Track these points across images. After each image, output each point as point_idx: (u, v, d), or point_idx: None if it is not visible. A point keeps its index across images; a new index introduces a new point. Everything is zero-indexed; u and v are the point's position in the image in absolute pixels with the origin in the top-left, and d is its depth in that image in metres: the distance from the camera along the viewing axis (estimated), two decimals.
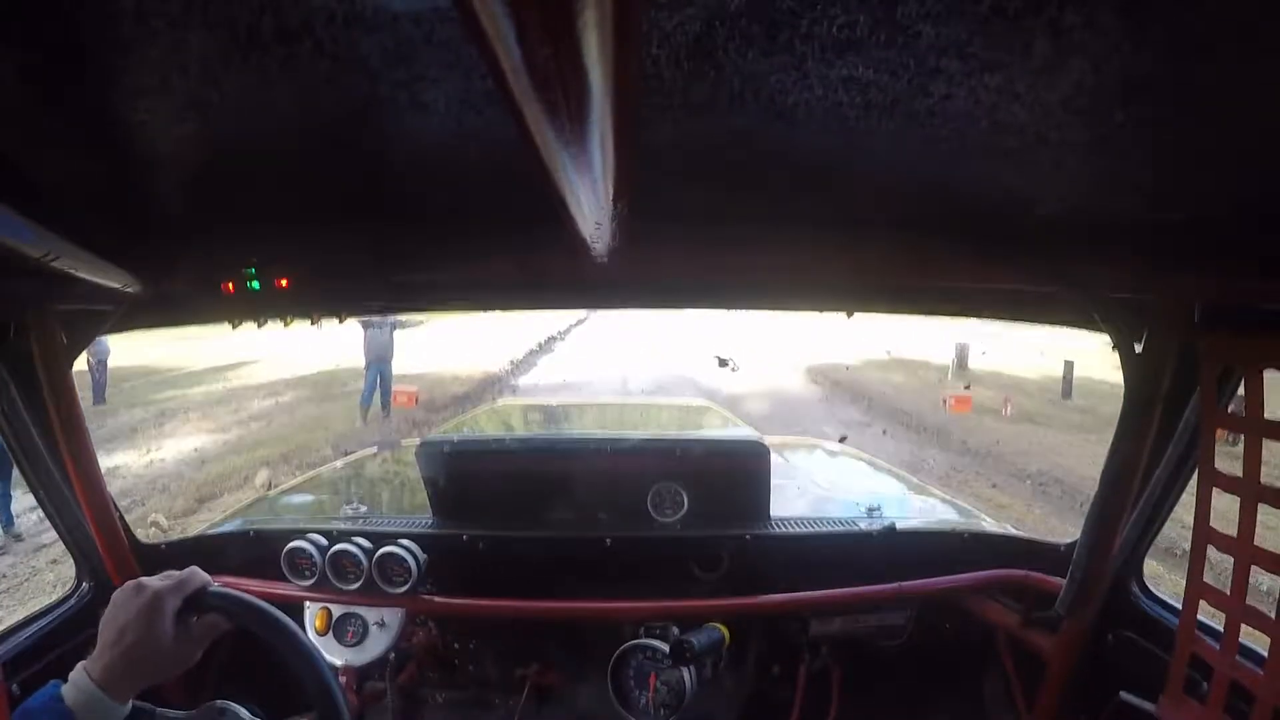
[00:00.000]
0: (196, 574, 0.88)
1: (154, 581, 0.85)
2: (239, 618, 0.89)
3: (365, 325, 8.42)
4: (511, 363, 13.20)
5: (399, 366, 10.54)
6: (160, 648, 0.81)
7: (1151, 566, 1.36)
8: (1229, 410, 1.07)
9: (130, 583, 0.85)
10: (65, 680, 0.81)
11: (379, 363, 8.76)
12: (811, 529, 1.65)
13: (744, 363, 11.75)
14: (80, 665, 0.80)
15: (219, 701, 0.97)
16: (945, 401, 9.39)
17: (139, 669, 0.81)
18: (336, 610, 1.58)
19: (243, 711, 0.95)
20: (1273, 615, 0.96)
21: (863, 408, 10.23)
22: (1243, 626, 1.02)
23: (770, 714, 1.60)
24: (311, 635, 1.56)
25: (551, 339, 16.28)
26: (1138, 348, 1.05)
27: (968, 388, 9.93)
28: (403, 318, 8.61)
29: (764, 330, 14.24)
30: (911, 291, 1.28)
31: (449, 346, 14.01)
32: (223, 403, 9.95)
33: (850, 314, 1.35)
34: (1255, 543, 0.99)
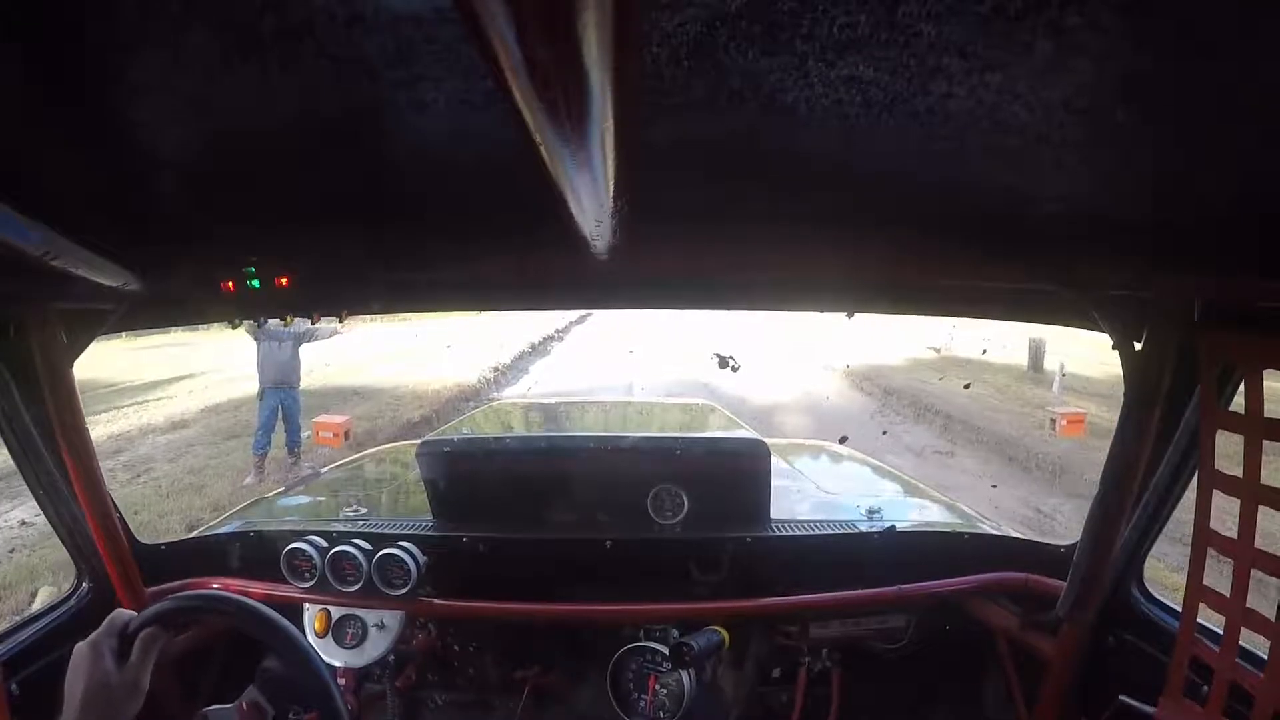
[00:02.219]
0: (119, 613, 0.95)
1: (86, 639, 0.92)
2: (171, 615, 0.94)
3: (257, 338, 6.21)
4: (496, 370, 11.11)
5: (329, 384, 8.78)
6: (109, 691, 0.88)
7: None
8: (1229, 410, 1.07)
9: (72, 653, 0.91)
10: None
11: (279, 389, 6.36)
12: (811, 531, 1.65)
13: (769, 364, 10.14)
14: None
15: (204, 710, 0.99)
16: (1054, 422, 6.98)
17: (100, 716, 0.86)
18: (336, 612, 1.58)
19: (225, 708, 0.96)
20: (1273, 617, 0.96)
21: (935, 428, 7.83)
22: (1243, 629, 1.01)
23: (770, 717, 1.60)
24: (311, 637, 1.56)
25: (548, 339, 14.59)
26: (1137, 347, 1.05)
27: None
28: (317, 325, 5.41)
29: (781, 327, 12.61)
30: (911, 291, 1.28)
31: (411, 352, 11.82)
32: (112, 439, 7.72)
33: (850, 314, 1.35)
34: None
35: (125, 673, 0.89)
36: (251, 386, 8.92)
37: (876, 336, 11.43)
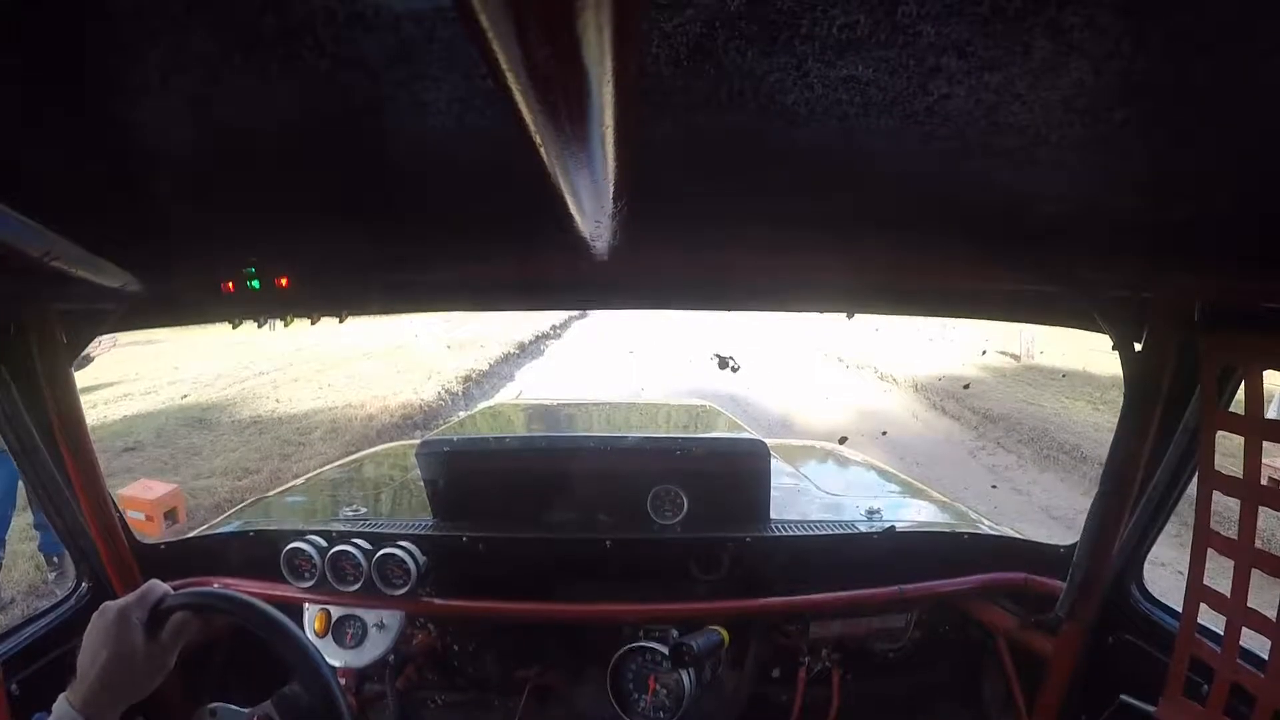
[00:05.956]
0: (155, 585, 0.92)
1: (116, 602, 0.89)
2: (203, 609, 0.92)
3: None
4: (468, 379, 9.03)
5: (237, 401, 7.10)
6: (134, 661, 0.85)
7: None
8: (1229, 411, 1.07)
9: (97, 610, 0.89)
10: (50, 711, 0.83)
11: None
12: (811, 531, 1.65)
13: (805, 369, 8.77)
14: (62, 696, 0.83)
15: (212, 705, 0.98)
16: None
17: (118, 688, 0.84)
18: (336, 612, 1.58)
19: (236, 710, 0.95)
20: (1273, 617, 0.96)
21: (1076, 478, 5.49)
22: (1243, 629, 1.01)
23: (770, 717, 1.60)
24: (311, 637, 1.56)
25: (542, 337, 12.81)
26: (1138, 347, 1.06)
27: None
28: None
29: (797, 328, 11.22)
30: (911, 292, 1.29)
31: (361, 358, 9.60)
32: None
33: (850, 315, 1.35)
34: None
35: (152, 648, 0.87)
36: (156, 402, 7.35)
37: (924, 340, 9.52)
